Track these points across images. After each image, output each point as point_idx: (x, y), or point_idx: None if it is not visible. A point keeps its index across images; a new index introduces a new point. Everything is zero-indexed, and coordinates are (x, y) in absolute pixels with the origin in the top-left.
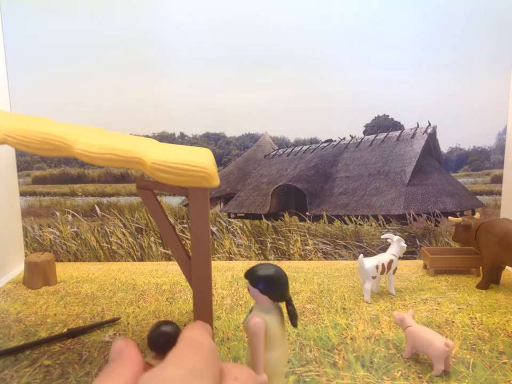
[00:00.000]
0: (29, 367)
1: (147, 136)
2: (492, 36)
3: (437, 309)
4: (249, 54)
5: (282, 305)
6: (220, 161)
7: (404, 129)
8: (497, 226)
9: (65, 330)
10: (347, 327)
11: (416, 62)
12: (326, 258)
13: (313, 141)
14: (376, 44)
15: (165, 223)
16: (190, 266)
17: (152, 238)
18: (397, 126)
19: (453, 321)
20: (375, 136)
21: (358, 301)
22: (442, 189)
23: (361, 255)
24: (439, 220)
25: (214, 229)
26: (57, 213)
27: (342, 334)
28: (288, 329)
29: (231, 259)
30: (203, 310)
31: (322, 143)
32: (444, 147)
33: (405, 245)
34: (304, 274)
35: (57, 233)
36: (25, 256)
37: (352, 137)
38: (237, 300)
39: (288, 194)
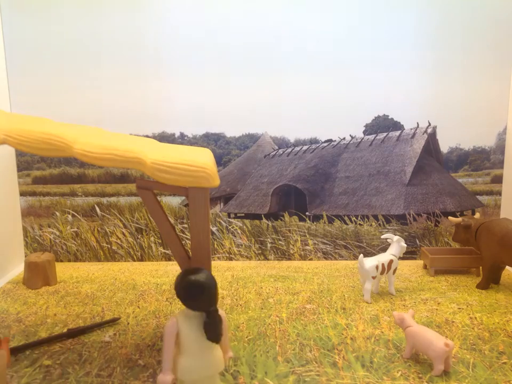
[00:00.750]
0: (29, 367)
1: (147, 136)
2: (492, 36)
3: (437, 309)
4: (249, 54)
5: None
6: (220, 161)
7: (404, 129)
8: (497, 226)
9: (65, 330)
10: (347, 327)
11: (416, 62)
12: (326, 258)
13: (313, 141)
14: (376, 44)
15: (165, 223)
16: (190, 265)
17: (152, 238)
18: (397, 126)
19: (453, 321)
20: (375, 136)
21: (358, 301)
22: (442, 189)
23: (361, 255)
24: (439, 220)
25: (214, 229)
26: (57, 213)
27: (342, 334)
28: (288, 329)
29: (231, 259)
30: None
31: (322, 143)
32: (444, 147)
33: (405, 245)
34: (304, 274)
35: (57, 233)
36: (25, 256)
37: (352, 137)
38: (237, 300)
39: (288, 194)
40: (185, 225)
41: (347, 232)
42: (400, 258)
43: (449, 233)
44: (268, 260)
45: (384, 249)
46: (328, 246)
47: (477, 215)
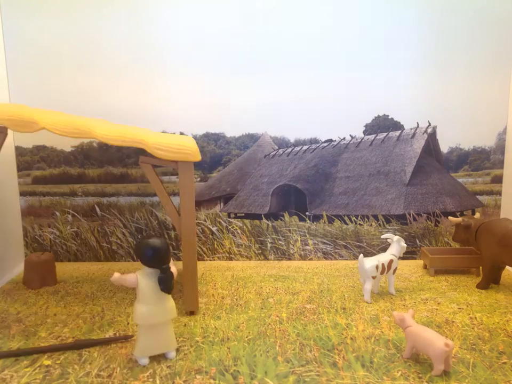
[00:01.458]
0: (29, 367)
1: None
2: (492, 36)
3: (437, 309)
4: (249, 53)
5: None
6: (220, 161)
7: (404, 129)
8: (497, 226)
9: (70, 340)
10: (347, 327)
11: (416, 62)
12: (326, 258)
13: (313, 141)
14: (376, 44)
15: (162, 189)
16: (180, 221)
17: None
18: (397, 126)
19: (453, 321)
20: (375, 136)
21: (358, 301)
22: (442, 189)
23: (361, 255)
24: (439, 220)
25: (214, 228)
26: (57, 213)
27: (342, 334)
28: (288, 329)
29: (231, 259)
30: (190, 253)
31: (322, 143)
32: (444, 147)
33: (405, 245)
34: (304, 274)
35: (57, 233)
36: (25, 256)
37: (352, 137)
38: (237, 299)
39: (288, 194)
40: None
41: (347, 232)
42: (400, 258)
43: (449, 233)
44: (268, 259)
45: (384, 249)
46: (328, 246)
47: (477, 215)
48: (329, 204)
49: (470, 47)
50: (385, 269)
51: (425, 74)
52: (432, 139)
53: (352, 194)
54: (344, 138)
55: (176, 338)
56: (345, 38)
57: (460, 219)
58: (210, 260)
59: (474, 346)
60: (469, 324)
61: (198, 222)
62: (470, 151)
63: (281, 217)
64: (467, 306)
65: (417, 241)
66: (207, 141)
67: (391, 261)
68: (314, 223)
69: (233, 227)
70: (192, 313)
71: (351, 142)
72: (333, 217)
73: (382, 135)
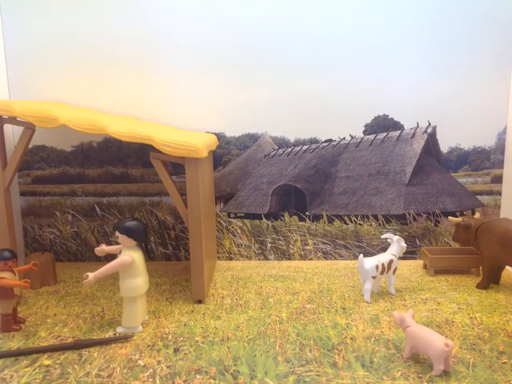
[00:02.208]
0: (29, 367)
1: None
2: (492, 36)
3: (437, 309)
4: (249, 53)
5: None
6: (220, 161)
7: (404, 129)
8: (497, 226)
9: (70, 340)
10: (347, 327)
11: (416, 62)
12: (326, 258)
13: (313, 141)
14: (376, 44)
15: (170, 182)
16: (187, 213)
17: (152, 238)
18: (397, 126)
19: (453, 321)
20: (375, 136)
21: (358, 301)
22: (442, 189)
23: (361, 255)
24: (439, 220)
25: None
26: (57, 213)
27: (342, 334)
28: (288, 329)
29: (231, 259)
30: (196, 245)
31: (322, 143)
32: (444, 147)
33: (405, 245)
34: (304, 274)
35: (57, 233)
36: (25, 256)
37: (352, 137)
38: (237, 299)
39: (288, 194)
40: (185, 225)
41: (347, 232)
42: (400, 258)
43: (449, 233)
44: (268, 259)
45: (384, 249)
46: (328, 246)
47: (477, 215)
48: (329, 203)
49: (470, 47)
50: (385, 269)
51: (425, 74)
52: (432, 139)
53: (352, 194)
54: (344, 138)
55: (176, 338)
56: (345, 38)
57: (459, 219)
58: None
59: (474, 346)
60: (469, 324)
61: None
62: (470, 151)
63: (281, 217)
64: (467, 306)
65: (417, 241)
66: None
67: (391, 261)
68: (314, 223)
69: (233, 227)
70: (199, 301)
71: (351, 142)
72: (333, 217)
73: (382, 135)
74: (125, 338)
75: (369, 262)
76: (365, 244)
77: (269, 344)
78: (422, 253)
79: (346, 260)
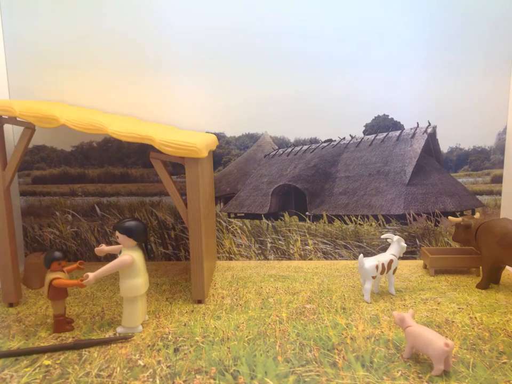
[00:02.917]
0: (29, 367)
1: None
2: (492, 36)
3: (437, 309)
4: (249, 53)
5: None
6: (220, 161)
7: (404, 129)
8: (497, 226)
9: (70, 340)
10: (347, 327)
11: (416, 62)
12: (326, 258)
13: (313, 141)
14: (376, 44)
15: (170, 182)
16: (187, 213)
17: (152, 238)
18: (397, 126)
19: (453, 321)
20: (375, 136)
21: (358, 301)
22: (442, 189)
23: (361, 255)
24: (439, 220)
25: None
26: (57, 213)
27: (342, 334)
28: (288, 329)
29: (231, 259)
30: (196, 244)
31: (322, 143)
32: (444, 147)
33: (405, 245)
34: (304, 274)
35: (57, 233)
36: (25, 256)
37: (352, 137)
38: (237, 299)
39: (288, 194)
40: (185, 225)
41: (347, 232)
42: (400, 258)
43: (449, 233)
44: (268, 259)
45: (384, 249)
46: (328, 246)
47: (477, 215)
48: (329, 203)
49: (470, 47)
50: (385, 269)
51: (425, 74)
52: (432, 139)
53: (352, 194)
54: (344, 138)
55: (176, 338)
56: (345, 38)
57: (459, 219)
58: None
59: (474, 346)
60: (469, 324)
61: None
62: (470, 151)
63: (281, 217)
64: (467, 306)
65: (417, 241)
66: None
67: (391, 261)
68: (314, 223)
69: (233, 227)
70: (199, 301)
71: (351, 142)
72: (333, 217)
73: (382, 135)
74: (125, 338)
75: (369, 262)
76: (365, 244)
77: (269, 344)
78: (422, 253)
79: (346, 259)
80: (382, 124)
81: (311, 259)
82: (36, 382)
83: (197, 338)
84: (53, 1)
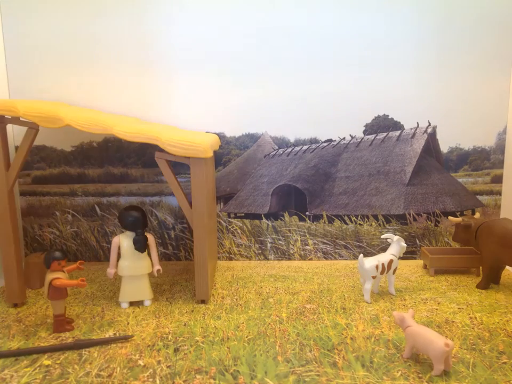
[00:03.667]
0: (29, 367)
1: None
2: (492, 36)
3: (437, 309)
4: (249, 53)
5: None
6: (220, 161)
7: (404, 129)
8: (497, 226)
9: (70, 340)
10: (347, 327)
11: (416, 62)
12: (326, 258)
13: (313, 141)
14: (376, 44)
15: (175, 182)
16: (192, 212)
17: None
18: (397, 126)
19: (453, 321)
20: (375, 136)
21: (358, 301)
22: (442, 189)
23: (361, 255)
24: (439, 220)
25: None
26: (57, 213)
27: (342, 334)
28: (288, 329)
29: (231, 259)
30: (200, 245)
31: (322, 143)
32: (444, 147)
33: (405, 245)
34: (304, 274)
35: (57, 233)
36: (25, 256)
37: (352, 137)
38: (237, 299)
39: (288, 194)
40: (185, 225)
41: (347, 232)
42: (400, 258)
43: (449, 233)
44: (268, 259)
45: (384, 249)
46: (328, 246)
47: (477, 215)
48: (329, 203)
49: (470, 47)
50: (385, 269)
51: (425, 74)
52: (432, 139)
53: (352, 194)
54: (344, 138)
55: (176, 338)
56: (345, 38)
57: (459, 219)
58: None
59: (474, 346)
60: (469, 324)
61: None
62: (470, 151)
63: (281, 217)
64: (467, 306)
65: (417, 241)
66: None
67: (391, 261)
68: (314, 223)
69: (233, 227)
70: (203, 301)
71: (351, 142)
72: (333, 217)
73: (382, 135)
74: (125, 338)
75: (369, 262)
76: (365, 243)
77: (269, 344)
78: (422, 253)
79: (346, 259)
80: (382, 124)
81: (311, 259)
82: (35, 382)
83: (197, 338)
84: (53, 1)
